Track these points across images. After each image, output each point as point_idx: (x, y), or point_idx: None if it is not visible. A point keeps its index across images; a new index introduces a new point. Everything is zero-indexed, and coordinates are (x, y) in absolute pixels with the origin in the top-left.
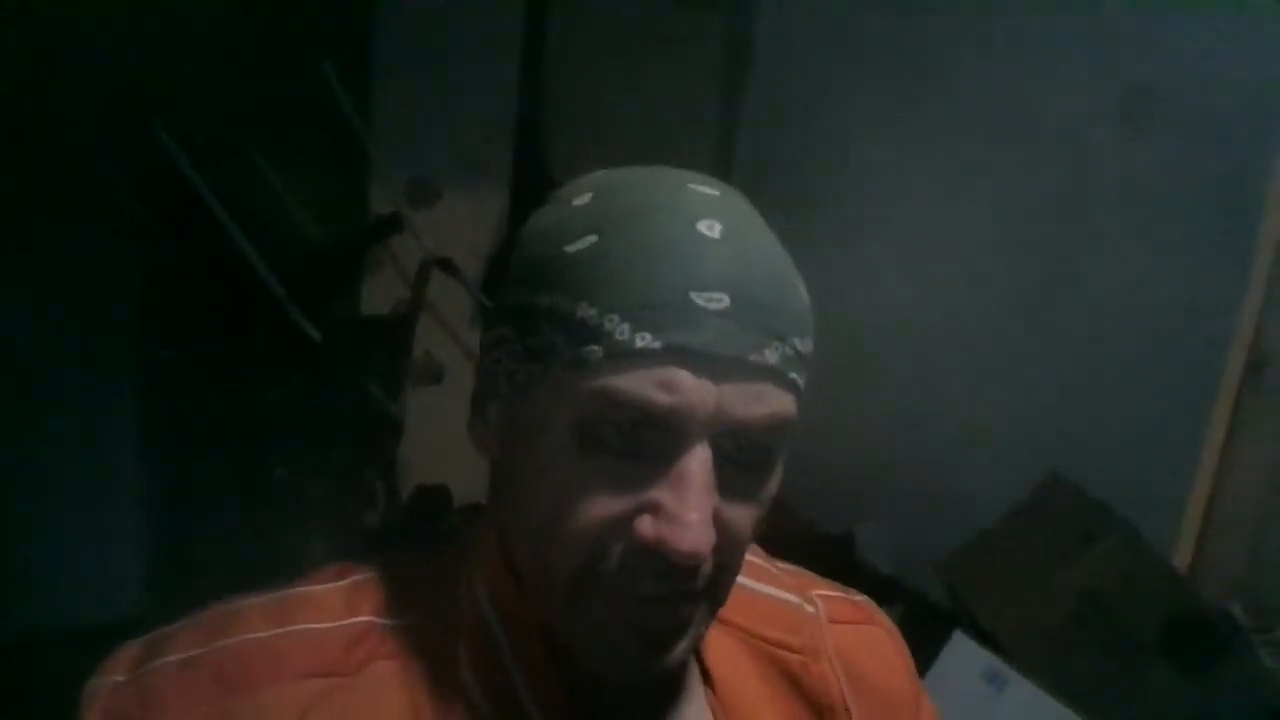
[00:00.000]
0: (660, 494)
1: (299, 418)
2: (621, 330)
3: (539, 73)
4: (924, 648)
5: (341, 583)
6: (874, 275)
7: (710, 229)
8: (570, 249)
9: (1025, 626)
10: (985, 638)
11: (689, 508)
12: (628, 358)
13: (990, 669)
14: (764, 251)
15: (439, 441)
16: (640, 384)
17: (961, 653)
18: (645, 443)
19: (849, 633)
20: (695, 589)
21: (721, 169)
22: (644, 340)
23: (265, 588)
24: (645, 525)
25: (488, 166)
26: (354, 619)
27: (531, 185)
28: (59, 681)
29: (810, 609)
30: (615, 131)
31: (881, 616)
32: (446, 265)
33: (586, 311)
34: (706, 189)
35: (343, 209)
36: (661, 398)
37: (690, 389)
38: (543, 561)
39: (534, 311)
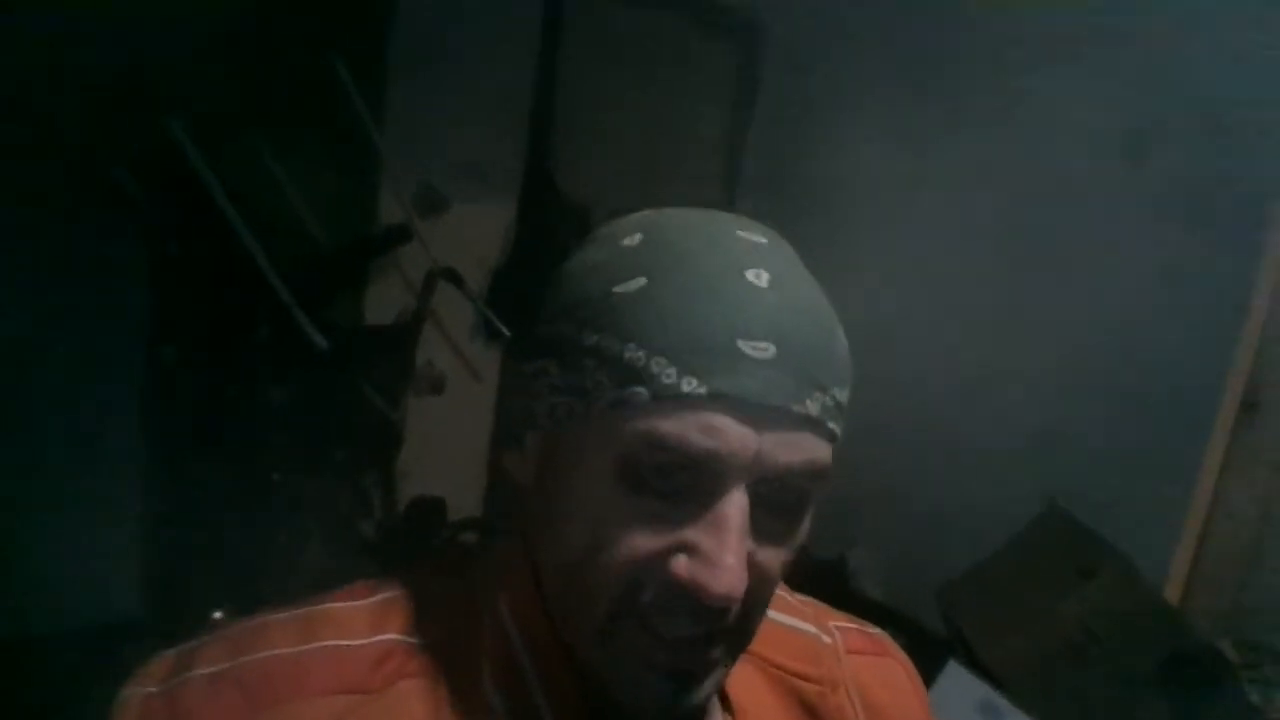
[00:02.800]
0: (697, 535)
1: (300, 423)
2: (668, 374)
3: (550, 86)
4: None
5: (367, 600)
6: (876, 298)
7: (758, 278)
8: (619, 290)
9: (1021, 657)
10: (980, 668)
11: (725, 550)
12: (673, 401)
13: (985, 700)
14: (809, 301)
15: (437, 452)
16: (684, 428)
17: (957, 682)
18: (684, 484)
19: (865, 664)
20: (725, 629)
21: (727, 184)
22: (690, 385)
23: (261, 591)
24: (680, 565)
25: (497, 178)
26: (380, 637)
27: (540, 198)
28: (57, 681)
29: (828, 640)
30: (624, 147)
31: (896, 649)
32: (452, 276)
33: (634, 353)
34: (754, 236)
35: (352, 213)
36: (704, 442)
37: (732, 435)
38: (577, 594)
39: (579, 348)
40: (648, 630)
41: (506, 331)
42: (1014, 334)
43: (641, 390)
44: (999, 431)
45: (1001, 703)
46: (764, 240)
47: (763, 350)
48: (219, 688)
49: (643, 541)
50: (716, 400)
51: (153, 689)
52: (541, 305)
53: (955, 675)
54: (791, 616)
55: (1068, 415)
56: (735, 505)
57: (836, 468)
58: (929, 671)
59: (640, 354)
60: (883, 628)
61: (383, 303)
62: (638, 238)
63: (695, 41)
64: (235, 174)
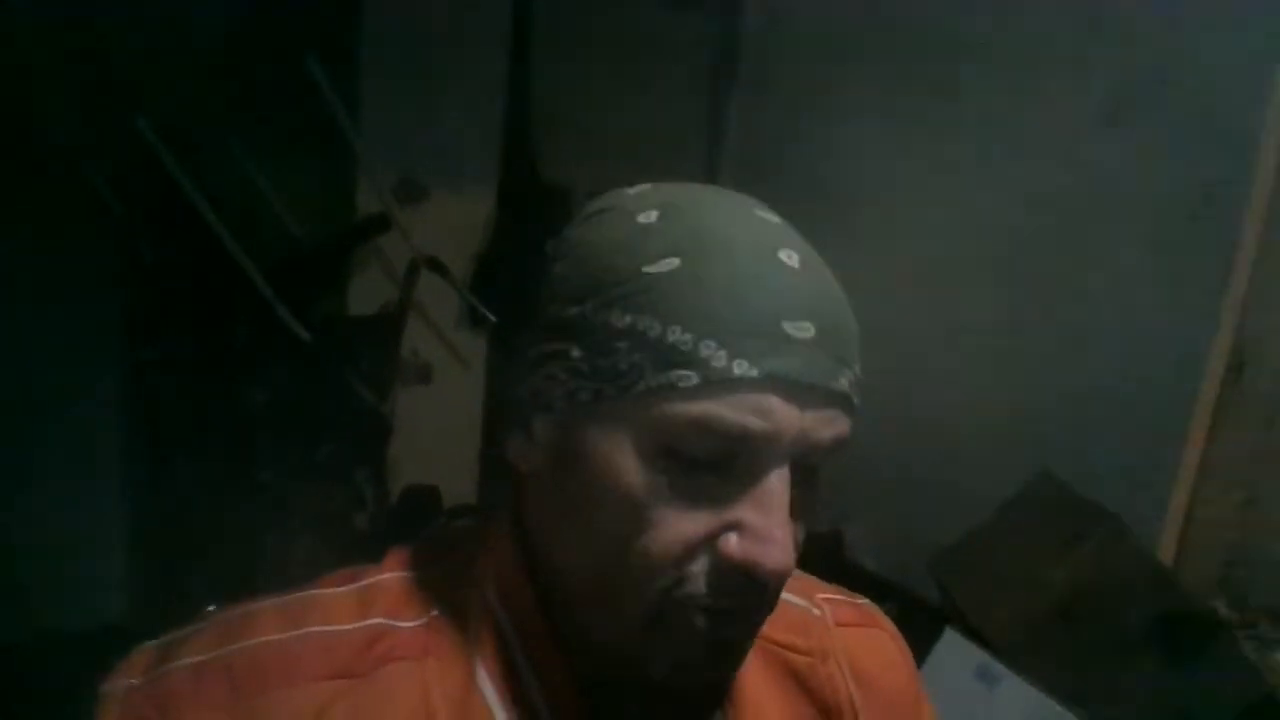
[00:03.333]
0: (745, 513)
1: (286, 418)
2: (719, 357)
3: (526, 71)
4: (915, 646)
5: (354, 586)
6: (860, 273)
7: (790, 258)
8: (651, 270)
9: (1015, 623)
10: (976, 635)
11: (776, 526)
12: (725, 385)
13: (982, 666)
14: (833, 281)
15: (427, 441)
16: (737, 411)
17: (953, 650)
18: (731, 464)
19: (854, 635)
20: (766, 601)
21: (709, 169)
22: (741, 368)
23: (254, 589)
24: (732, 544)
25: (475, 165)
26: (367, 621)
27: (519, 184)
28: (45, 683)
29: (817, 612)
30: (602, 130)
31: (884, 620)
32: (435, 265)
33: (680, 336)
34: (769, 214)
35: (329, 206)
36: (757, 424)
37: (782, 415)
38: (618, 582)
39: (608, 330)
40: (695, 607)
41: (492, 318)
42: (1004, 307)
43: (691, 374)
44: (990, 401)
45: (998, 668)
46: (778, 220)
47: (804, 330)
48: (204, 677)
49: (690, 523)
50: (768, 382)
51: (135, 681)
52: (545, 285)
53: (952, 643)
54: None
55: (1057, 383)
56: (781, 482)
57: None
58: (926, 640)
59: (687, 337)
60: (879, 599)
61: (366, 294)
62: (654, 215)
63: (672, 23)
64: (210, 172)
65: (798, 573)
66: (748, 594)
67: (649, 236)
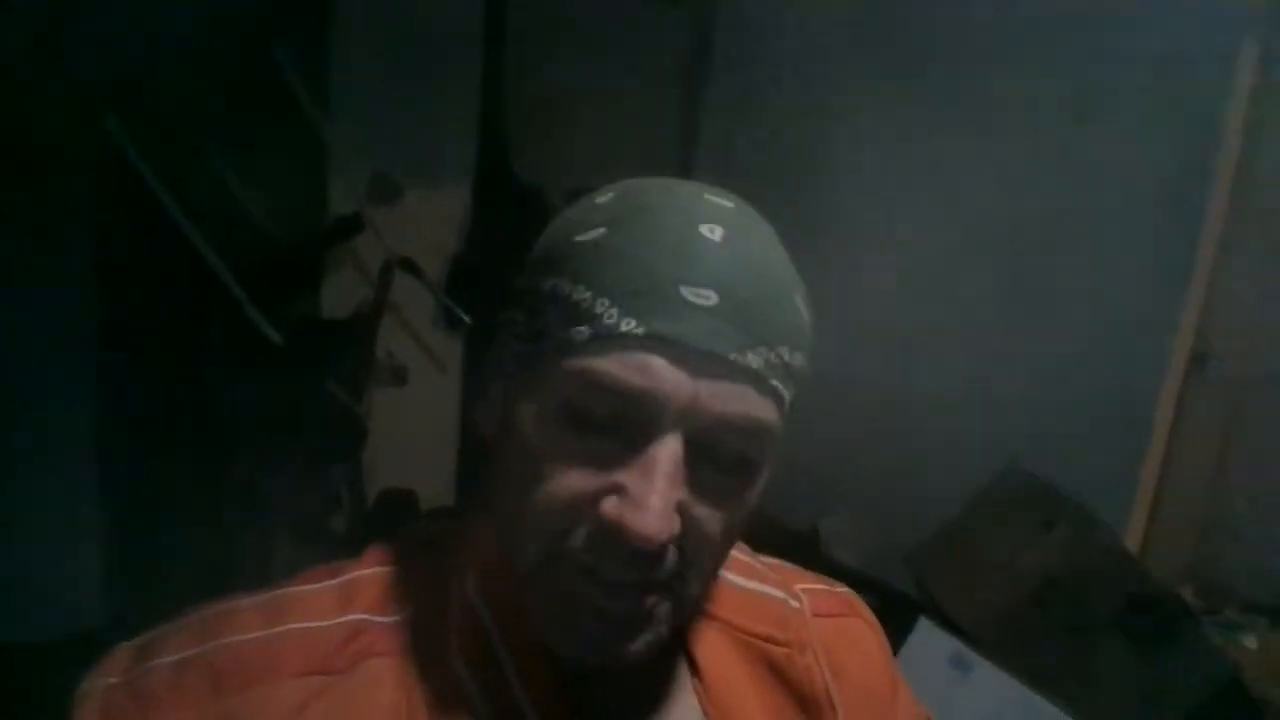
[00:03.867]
0: (627, 477)
1: (260, 420)
2: (610, 314)
3: (501, 67)
4: (892, 637)
5: (332, 582)
6: (835, 268)
7: (712, 232)
8: (579, 238)
9: (988, 611)
10: (950, 623)
11: (652, 492)
12: (611, 340)
13: (956, 654)
14: (762, 258)
15: (403, 444)
16: (618, 367)
17: (928, 639)
18: (621, 427)
19: (831, 625)
20: (658, 580)
21: (684, 162)
22: (628, 325)
23: (231, 593)
24: (609, 505)
25: (450, 164)
26: (346, 617)
27: (495, 183)
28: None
29: (795, 604)
30: (579, 127)
31: (862, 608)
32: (409, 265)
33: (582, 294)
34: (722, 200)
35: (302, 206)
36: (637, 381)
37: (665, 377)
38: (515, 532)
39: (538, 294)
40: (582, 572)
41: (467, 319)
42: (975, 302)
43: (584, 329)
44: (962, 394)
45: (971, 655)
46: (730, 205)
47: (705, 298)
48: (184, 674)
49: (577, 481)
50: (653, 341)
51: (114, 680)
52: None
53: (926, 631)
54: (757, 581)
55: (1026, 375)
56: (666, 449)
57: (807, 438)
58: (902, 630)
59: (587, 295)
60: (857, 592)
61: (340, 295)
62: (609, 195)
63: (647, 18)
64: (180, 171)
65: (777, 562)
66: (633, 565)
67: (591, 212)
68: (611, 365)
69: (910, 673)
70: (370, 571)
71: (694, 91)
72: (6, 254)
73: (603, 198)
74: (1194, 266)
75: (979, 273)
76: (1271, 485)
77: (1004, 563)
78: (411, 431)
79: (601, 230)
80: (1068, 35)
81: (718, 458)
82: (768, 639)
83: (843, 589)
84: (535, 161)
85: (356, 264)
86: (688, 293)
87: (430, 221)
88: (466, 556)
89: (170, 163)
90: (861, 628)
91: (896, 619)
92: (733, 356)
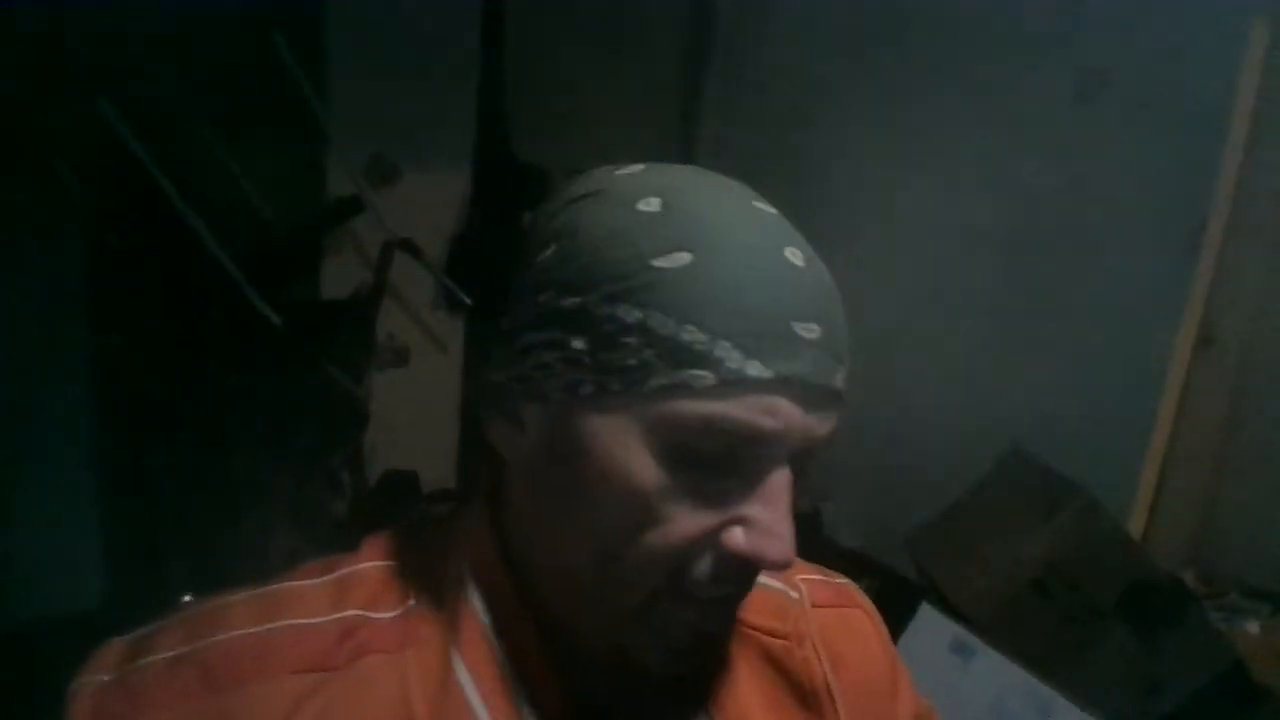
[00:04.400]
0: (751, 509)
1: (260, 404)
2: (733, 358)
3: (500, 50)
4: (892, 621)
5: (328, 577)
6: (837, 254)
7: (795, 257)
8: (660, 264)
9: (990, 596)
10: (951, 609)
11: (781, 520)
12: (739, 385)
13: (957, 639)
14: (831, 279)
15: (404, 425)
16: (746, 411)
17: (929, 624)
18: (736, 461)
19: (831, 616)
20: (750, 589)
21: (684, 150)
22: (755, 369)
23: (230, 579)
24: (738, 538)
25: (448, 146)
26: (342, 613)
27: (494, 164)
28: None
29: (794, 595)
30: (578, 109)
31: (862, 598)
32: (409, 247)
33: (695, 335)
34: (766, 206)
35: (299, 188)
36: (768, 423)
37: (790, 416)
38: (616, 576)
39: (616, 324)
40: (689, 599)
41: (468, 300)
42: (979, 286)
43: (705, 374)
44: (964, 378)
45: (973, 640)
46: (773, 210)
47: (811, 331)
48: (178, 671)
49: (694, 519)
50: (778, 383)
51: (106, 677)
52: (531, 268)
53: (928, 617)
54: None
55: (1030, 359)
56: (785, 477)
57: None
58: (903, 615)
59: (703, 337)
60: (857, 576)
61: (339, 277)
62: (655, 202)
63: (648, 4)
64: (177, 154)
65: None
66: (742, 584)
67: (653, 227)
68: (739, 410)
69: (911, 658)
70: (365, 566)
71: (694, 75)
72: (6, 240)
73: (645, 204)
74: (1200, 254)
75: (983, 258)
76: (1275, 471)
77: (1005, 548)
78: (412, 413)
79: (686, 257)
80: (1071, 25)
81: (803, 470)
82: (767, 631)
83: (841, 579)
84: (535, 143)
85: (356, 246)
86: (799, 329)
87: (430, 203)
88: (465, 551)
89: (167, 146)
90: (861, 619)
91: (897, 603)
92: (832, 383)
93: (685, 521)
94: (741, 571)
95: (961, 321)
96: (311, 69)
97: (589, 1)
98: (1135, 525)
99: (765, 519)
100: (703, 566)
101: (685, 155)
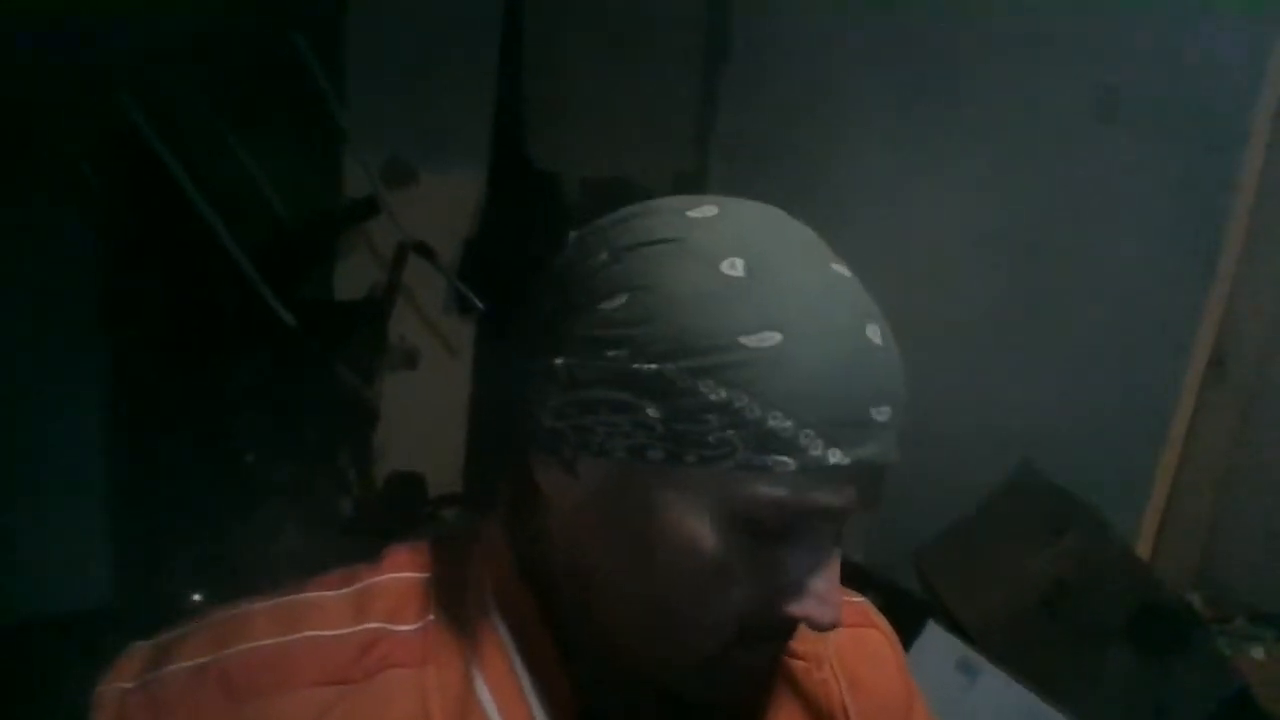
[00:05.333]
0: (807, 577)
1: (271, 402)
2: (816, 446)
3: (517, 54)
4: (898, 637)
5: (349, 589)
6: (848, 264)
7: (875, 335)
8: (748, 343)
9: (996, 615)
10: (957, 627)
11: (834, 588)
12: (819, 472)
13: (963, 659)
14: (898, 352)
15: (413, 427)
16: (825, 495)
17: (935, 643)
18: (799, 533)
19: (848, 636)
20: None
21: (699, 154)
22: (835, 457)
23: (237, 576)
24: (794, 606)
25: (465, 148)
26: (364, 626)
27: (509, 166)
28: (27, 667)
29: None
30: (594, 114)
31: (878, 618)
32: (423, 250)
33: (780, 423)
34: (842, 268)
35: (316, 188)
36: (839, 504)
37: (856, 496)
38: (679, 636)
39: (694, 398)
40: (743, 651)
41: (480, 304)
42: (989, 301)
43: (787, 461)
44: (975, 393)
45: (979, 660)
46: (849, 274)
47: (884, 414)
48: (200, 681)
49: (756, 585)
50: (855, 468)
51: (129, 684)
52: (594, 314)
53: (934, 635)
54: None
55: (1041, 376)
56: (837, 545)
57: None
58: (908, 632)
59: (788, 425)
60: (862, 589)
61: (353, 278)
62: (740, 265)
63: (664, 5)
64: (194, 150)
65: None
66: (789, 637)
67: (740, 298)
68: (815, 494)
69: (917, 676)
70: (386, 578)
71: (710, 80)
72: (17, 230)
73: (728, 264)
74: (1215, 271)
75: (995, 273)
76: None
77: (1013, 566)
78: (421, 415)
79: (776, 337)
80: (1090, 40)
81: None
82: (786, 653)
83: (858, 598)
84: (550, 147)
85: (370, 247)
86: (875, 413)
87: (444, 205)
88: (485, 568)
89: (186, 144)
90: (878, 639)
91: (901, 619)
92: (894, 459)
93: (744, 589)
94: (789, 627)
95: (970, 335)
96: (332, 70)
97: (604, 6)
98: (1143, 546)
99: (821, 588)
100: (757, 626)
101: (698, 159)
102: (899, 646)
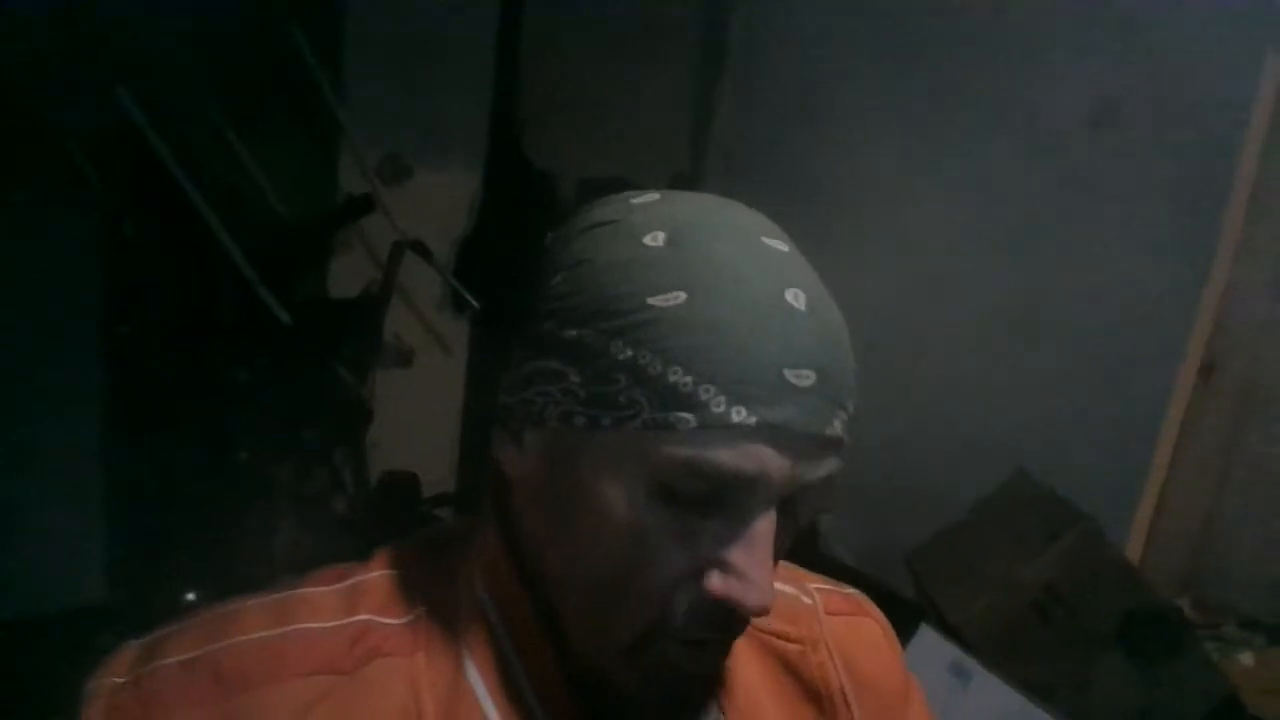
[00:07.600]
0: (730, 553)
1: (267, 399)
2: (718, 403)
3: (515, 53)
4: None
5: (340, 585)
6: (844, 268)
7: (797, 299)
8: (655, 302)
9: (988, 619)
10: (950, 630)
11: (759, 567)
12: (720, 430)
13: (956, 662)
14: (838, 322)
15: (407, 425)
16: (730, 457)
17: (928, 646)
18: (719, 504)
19: (843, 624)
20: (740, 632)
21: (695, 155)
22: (739, 415)
23: (232, 573)
24: (716, 582)
25: (460, 146)
26: (353, 618)
27: (505, 166)
28: (25, 663)
29: (808, 600)
30: (590, 114)
31: (873, 608)
32: (419, 248)
33: (680, 378)
34: (778, 243)
35: (312, 184)
36: (749, 469)
37: (774, 462)
38: (605, 613)
39: (608, 360)
40: (675, 640)
41: (475, 303)
42: (984, 308)
43: (688, 417)
44: (968, 399)
45: (971, 664)
46: (786, 249)
47: (805, 378)
48: (190, 674)
49: (678, 558)
50: (762, 429)
51: (120, 679)
52: (542, 292)
53: (927, 638)
54: None
55: (1034, 384)
56: (767, 523)
57: None
58: (901, 635)
59: (687, 380)
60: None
61: (348, 276)
62: (661, 237)
63: (662, 7)
64: (191, 146)
65: (787, 564)
66: (728, 629)
67: (656, 264)
68: (721, 455)
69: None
70: (378, 574)
71: (707, 82)
72: (15, 227)
73: (651, 237)
74: (1207, 281)
75: (988, 278)
76: (1272, 500)
77: (1006, 571)
78: (415, 413)
79: (681, 296)
80: (1088, 50)
81: (794, 513)
82: (779, 635)
83: (851, 590)
84: (547, 147)
85: (366, 245)
86: (790, 376)
87: (440, 204)
88: (476, 560)
89: (182, 141)
90: (873, 627)
91: (895, 622)
92: (825, 431)
93: (668, 560)
94: (720, 615)
95: (964, 339)
96: (329, 67)
97: (603, 6)
98: (1133, 551)
99: (744, 565)
100: (684, 607)
101: (696, 160)
102: (893, 635)
